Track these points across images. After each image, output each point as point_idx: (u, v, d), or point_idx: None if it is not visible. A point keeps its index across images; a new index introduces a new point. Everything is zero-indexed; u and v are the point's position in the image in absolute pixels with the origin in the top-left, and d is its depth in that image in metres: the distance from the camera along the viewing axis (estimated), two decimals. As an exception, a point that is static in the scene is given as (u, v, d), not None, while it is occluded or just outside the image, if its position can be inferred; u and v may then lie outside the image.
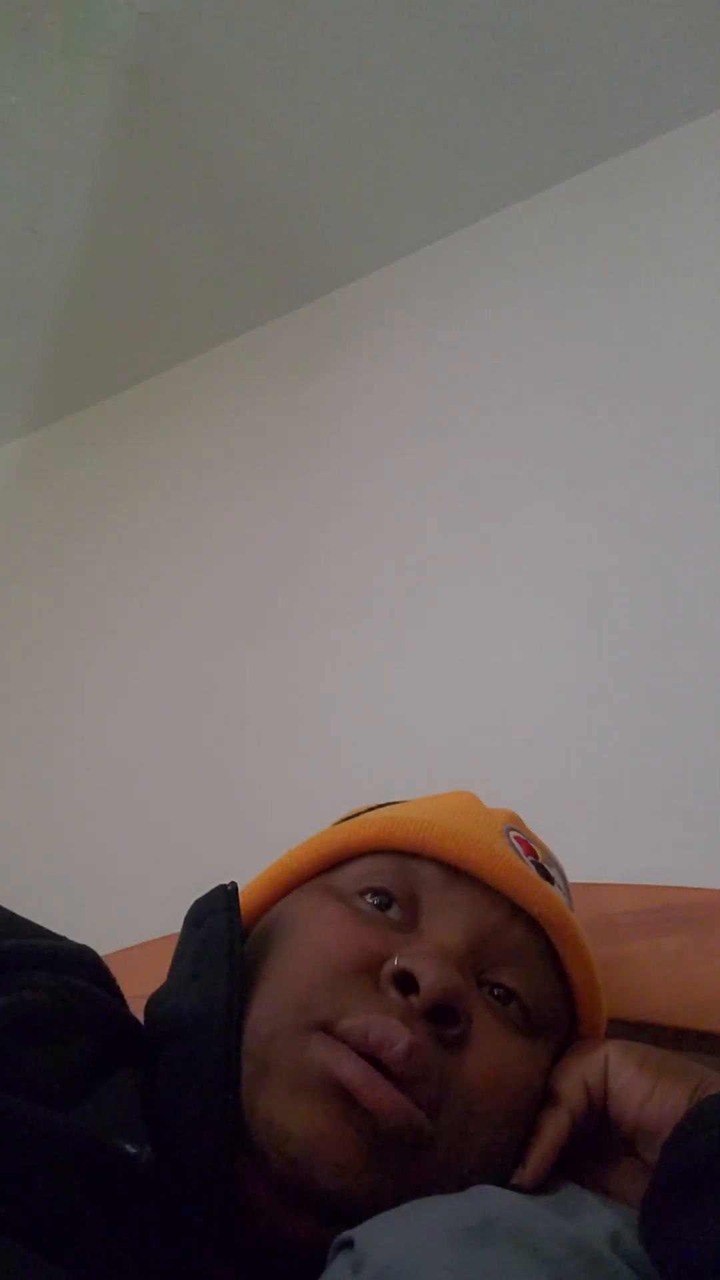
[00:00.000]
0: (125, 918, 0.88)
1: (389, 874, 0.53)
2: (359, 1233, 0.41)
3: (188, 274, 1.33)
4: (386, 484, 1.13)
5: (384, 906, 0.52)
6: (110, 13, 1.07)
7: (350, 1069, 0.44)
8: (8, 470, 1.56)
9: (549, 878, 0.55)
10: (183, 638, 1.20)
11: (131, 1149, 0.41)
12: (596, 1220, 0.45)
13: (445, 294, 1.21)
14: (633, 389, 1.00)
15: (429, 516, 1.08)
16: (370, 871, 0.53)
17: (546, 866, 0.56)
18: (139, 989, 0.52)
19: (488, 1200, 0.43)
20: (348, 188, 1.21)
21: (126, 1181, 0.40)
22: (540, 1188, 0.48)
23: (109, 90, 1.14)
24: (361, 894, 0.52)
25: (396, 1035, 0.44)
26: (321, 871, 0.56)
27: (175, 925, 0.56)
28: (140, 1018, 0.51)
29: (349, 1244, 0.41)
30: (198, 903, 0.54)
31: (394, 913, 0.52)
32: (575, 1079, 0.51)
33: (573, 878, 0.61)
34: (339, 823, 0.59)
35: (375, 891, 0.52)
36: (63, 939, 0.50)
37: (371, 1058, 0.44)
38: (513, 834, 0.56)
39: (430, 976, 0.46)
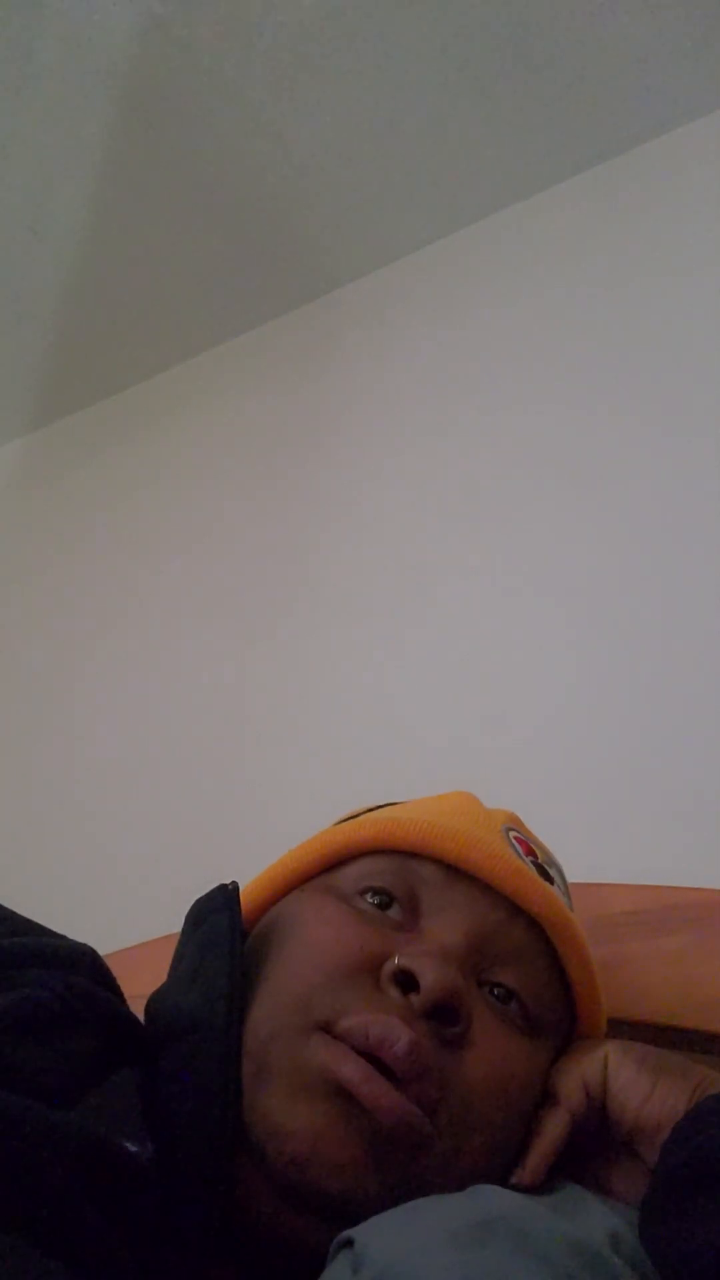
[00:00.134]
0: (125, 918, 0.88)
1: (389, 874, 0.53)
2: (359, 1232, 0.41)
3: (188, 274, 1.33)
4: (386, 484, 1.13)
5: (384, 906, 0.52)
6: (111, 13, 1.08)
7: (350, 1069, 0.44)
8: (8, 470, 1.56)
9: (549, 878, 0.55)
10: (183, 637, 1.20)
11: (132, 1147, 0.41)
12: (596, 1220, 0.45)
13: (445, 294, 1.21)
14: (633, 389, 1.01)
15: (429, 516, 1.08)
16: (370, 871, 0.53)
17: (546, 867, 0.56)
18: (139, 989, 0.52)
19: (488, 1200, 0.43)
20: (348, 188, 1.21)
21: (127, 1180, 0.40)
22: (540, 1187, 0.48)
23: (109, 90, 1.14)
24: (362, 894, 0.52)
25: (397, 1034, 0.44)
26: (322, 871, 0.56)
27: (175, 925, 0.56)
28: (140, 1017, 0.51)
29: (349, 1243, 0.41)
30: (198, 902, 0.55)
31: (394, 912, 0.52)
32: (575, 1079, 0.51)
33: (572, 878, 0.61)
34: (339, 823, 0.59)
35: (375, 891, 0.52)
36: (63, 938, 0.50)
37: (372, 1057, 0.44)
38: (512, 834, 0.57)
39: (430, 976, 0.46)
